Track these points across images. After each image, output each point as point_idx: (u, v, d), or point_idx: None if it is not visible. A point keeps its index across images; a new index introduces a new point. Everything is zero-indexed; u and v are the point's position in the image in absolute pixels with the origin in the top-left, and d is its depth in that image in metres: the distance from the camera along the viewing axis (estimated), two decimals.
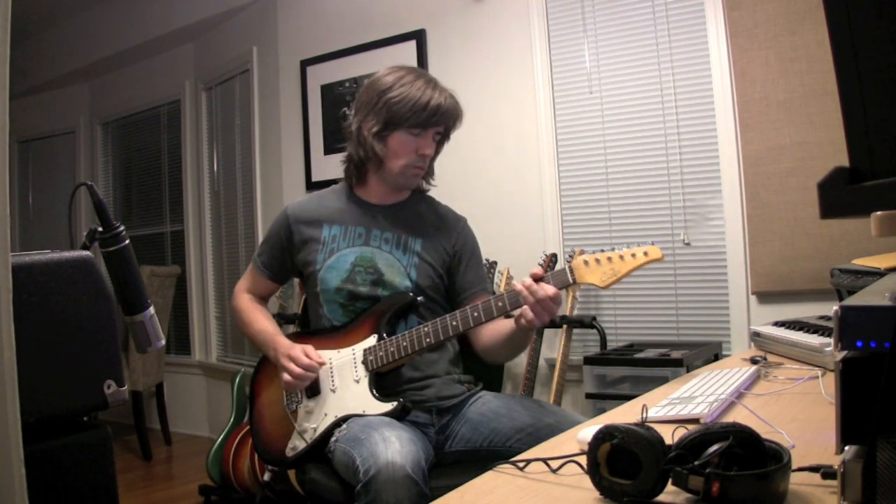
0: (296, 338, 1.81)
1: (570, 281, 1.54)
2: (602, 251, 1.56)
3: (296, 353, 1.69)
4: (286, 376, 1.69)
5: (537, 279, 1.52)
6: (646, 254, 1.52)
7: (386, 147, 1.74)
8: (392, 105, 1.70)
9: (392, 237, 1.79)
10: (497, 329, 1.69)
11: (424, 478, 1.40)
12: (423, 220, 1.84)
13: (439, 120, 1.73)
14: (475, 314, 1.58)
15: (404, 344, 1.64)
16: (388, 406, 1.63)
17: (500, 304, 1.56)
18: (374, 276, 1.75)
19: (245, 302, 1.90)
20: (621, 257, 1.53)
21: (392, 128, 1.72)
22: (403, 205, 1.85)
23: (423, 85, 1.71)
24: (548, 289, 1.49)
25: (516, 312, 1.56)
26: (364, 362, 1.68)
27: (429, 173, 1.85)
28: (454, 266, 1.83)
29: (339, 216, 1.82)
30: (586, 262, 1.55)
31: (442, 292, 1.82)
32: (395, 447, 1.40)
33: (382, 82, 1.74)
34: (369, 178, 1.82)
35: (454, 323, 1.60)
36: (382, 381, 1.70)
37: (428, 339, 1.62)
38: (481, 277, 1.87)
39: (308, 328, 1.93)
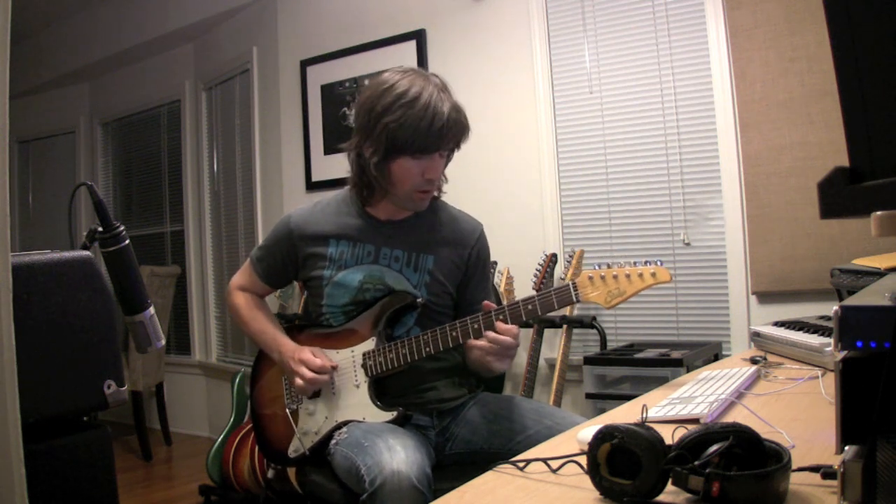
0: (292, 333, 1.79)
1: (574, 300, 1.52)
2: (608, 266, 1.52)
3: (307, 357, 1.65)
4: (298, 381, 1.66)
5: (491, 311, 1.53)
6: (653, 275, 1.49)
7: (389, 174, 1.62)
8: (392, 130, 1.56)
9: (402, 255, 1.71)
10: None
11: (430, 487, 1.39)
12: (435, 233, 1.75)
13: (444, 142, 1.60)
14: (475, 326, 1.56)
15: (403, 352, 1.62)
16: (389, 415, 1.62)
17: (501, 317, 1.54)
18: (384, 292, 1.70)
19: (242, 299, 1.85)
20: (628, 276, 1.50)
21: (393, 155, 1.59)
22: (415, 219, 1.74)
23: (426, 101, 1.55)
24: (509, 330, 1.51)
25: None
26: (364, 366, 1.67)
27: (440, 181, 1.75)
28: (465, 279, 1.77)
29: (346, 231, 1.72)
30: (591, 279, 1.52)
31: (451, 307, 1.77)
32: (400, 456, 1.38)
33: (380, 102, 1.58)
34: (377, 198, 1.72)
35: (454, 334, 1.57)
36: (383, 383, 1.69)
37: (427, 349, 1.60)
38: (488, 291, 1.83)
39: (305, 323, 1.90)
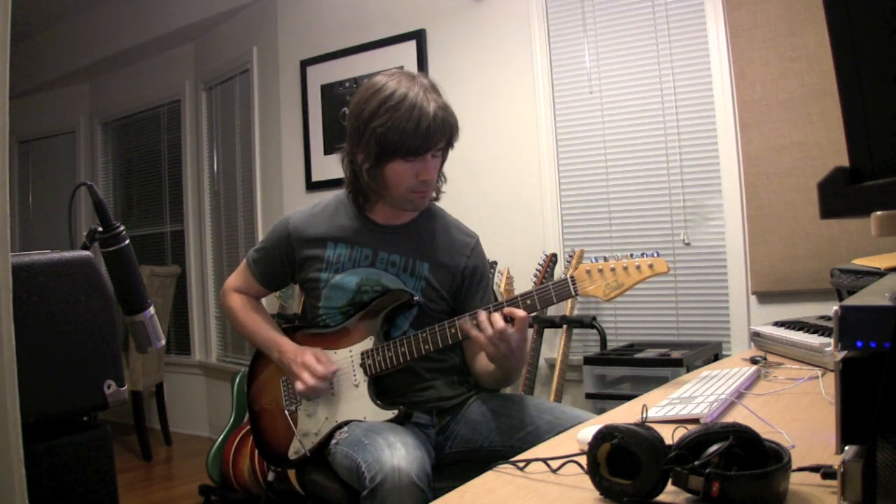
0: (290, 334, 1.78)
1: (573, 293, 1.52)
2: (605, 259, 1.53)
3: (308, 360, 1.65)
4: (299, 385, 1.65)
5: (489, 306, 1.52)
6: (651, 267, 1.50)
7: (383, 179, 1.62)
8: (380, 135, 1.56)
9: (399, 260, 1.71)
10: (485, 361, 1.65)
11: (429, 484, 1.39)
12: (432, 240, 1.75)
13: (433, 142, 1.58)
14: (474, 321, 1.55)
15: (402, 350, 1.62)
16: (390, 414, 1.61)
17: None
18: (382, 292, 1.69)
19: (238, 301, 1.85)
20: (625, 268, 1.51)
21: (385, 159, 1.59)
22: (412, 225, 1.75)
23: (411, 103, 1.55)
24: (497, 322, 1.49)
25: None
26: (362, 366, 1.67)
27: (438, 181, 1.74)
28: (461, 289, 1.76)
29: (345, 234, 1.73)
30: (588, 272, 1.52)
31: (447, 314, 1.75)
32: (400, 453, 1.38)
33: (367, 107, 1.59)
34: (374, 202, 1.72)
35: (453, 331, 1.58)
36: (382, 382, 1.69)
37: (426, 347, 1.60)
38: (488, 301, 1.79)
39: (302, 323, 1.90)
